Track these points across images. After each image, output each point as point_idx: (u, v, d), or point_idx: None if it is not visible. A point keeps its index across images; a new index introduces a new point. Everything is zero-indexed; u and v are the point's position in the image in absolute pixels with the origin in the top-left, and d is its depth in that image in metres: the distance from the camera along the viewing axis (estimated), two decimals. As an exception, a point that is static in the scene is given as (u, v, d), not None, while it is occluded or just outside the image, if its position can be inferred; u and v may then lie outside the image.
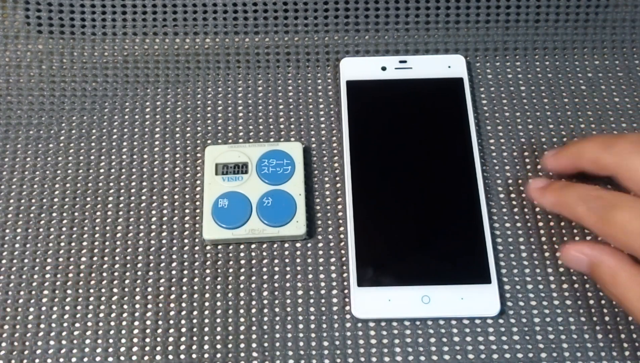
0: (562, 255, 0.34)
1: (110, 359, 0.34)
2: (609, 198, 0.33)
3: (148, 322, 0.35)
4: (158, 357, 0.34)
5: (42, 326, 0.35)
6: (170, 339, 0.34)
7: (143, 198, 0.38)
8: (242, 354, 0.34)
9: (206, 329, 0.35)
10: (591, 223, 0.33)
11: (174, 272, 0.36)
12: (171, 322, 0.35)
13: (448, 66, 0.41)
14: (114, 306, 0.35)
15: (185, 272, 0.36)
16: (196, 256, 0.37)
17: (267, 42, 0.42)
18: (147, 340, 0.35)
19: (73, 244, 0.37)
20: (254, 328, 0.35)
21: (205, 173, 0.38)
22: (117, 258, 0.37)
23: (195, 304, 0.35)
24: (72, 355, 0.34)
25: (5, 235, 0.37)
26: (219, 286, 0.36)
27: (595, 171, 0.35)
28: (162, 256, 0.37)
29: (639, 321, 0.32)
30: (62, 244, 0.37)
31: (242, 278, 0.36)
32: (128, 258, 0.37)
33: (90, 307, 0.35)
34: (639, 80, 0.42)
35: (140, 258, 0.37)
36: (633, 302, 0.31)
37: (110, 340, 0.35)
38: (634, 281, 0.31)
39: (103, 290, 0.36)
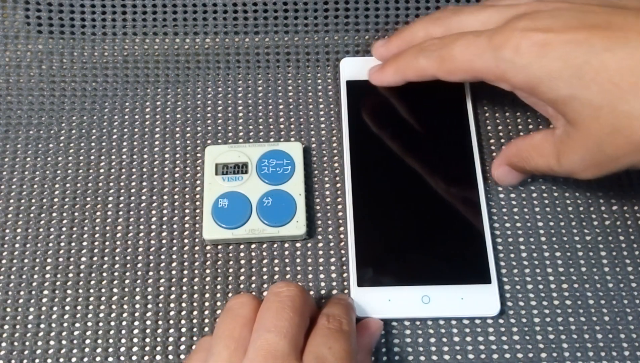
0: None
1: (110, 359, 0.34)
2: (442, 39, 0.34)
3: (148, 322, 0.35)
4: (158, 357, 0.34)
5: (42, 326, 0.35)
6: (170, 339, 0.34)
7: (143, 198, 0.38)
8: (242, 354, 0.34)
9: (206, 329, 0.35)
10: (435, 70, 0.34)
11: (174, 272, 0.36)
12: (171, 322, 0.35)
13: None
14: (114, 306, 0.35)
15: (185, 272, 0.36)
16: (196, 256, 0.37)
17: (267, 42, 0.42)
18: (147, 340, 0.35)
19: (73, 244, 0.37)
20: (254, 328, 0.35)
21: (205, 173, 0.38)
22: (117, 258, 0.37)
23: (195, 304, 0.35)
24: (72, 355, 0.34)
25: (5, 235, 0.37)
26: (219, 286, 0.36)
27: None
28: (162, 256, 0.37)
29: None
30: (62, 244, 0.37)
31: (242, 278, 0.36)
32: (128, 258, 0.37)
33: (90, 307, 0.35)
34: (639, 80, 0.42)
35: (140, 258, 0.37)
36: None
37: (110, 340, 0.35)
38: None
39: (103, 290, 0.36)
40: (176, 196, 0.38)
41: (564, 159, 0.32)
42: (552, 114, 0.33)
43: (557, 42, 0.30)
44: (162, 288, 0.36)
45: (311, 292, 0.36)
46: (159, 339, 0.34)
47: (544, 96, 0.31)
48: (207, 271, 0.36)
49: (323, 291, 0.36)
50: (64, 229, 0.37)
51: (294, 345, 0.28)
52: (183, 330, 0.35)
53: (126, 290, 0.36)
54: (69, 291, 0.36)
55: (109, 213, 0.38)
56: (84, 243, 0.37)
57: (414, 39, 0.37)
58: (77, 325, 0.35)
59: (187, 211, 0.38)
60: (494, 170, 0.37)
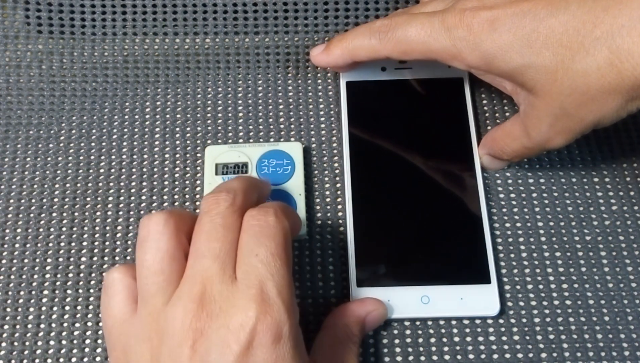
0: None
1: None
2: (393, 20, 0.35)
3: (148, 322, 0.35)
4: (158, 357, 0.34)
5: (42, 326, 0.35)
6: (170, 339, 0.34)
7: (143, 198, 0.38)
8: (242, 354, 0.34)
9: (206, 329, 0.35)
10: (390, 51, 0.35)
11: (174, 272, 0.36)
12: (171, 321, 0.35)
13: (448, 65, 0.41)
14: (114, 306, 0.35)
15: (185, 272, 0.36)
16: (196, 256, 0.36)
17: (267, 42, 0.42)
18: (147, 340, 0.34)
19: (73, 244, 0.37)
20: (253, 328, 0.35)
21: (205, 173, 0.38)
22: (117, 258, 0.37)
23: (195, 304, 0.35)
24: (72, 355, 0.34)
25: (5, 235, 0.37)
26: (218, 286, 0.36)
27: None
28: (162, 256, 0.36)
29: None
30: (62, 244, 0.37)
31: (242, 278, 0.36)
32: (128, 258, 0.37)
33: (90, 307, 0.35)
34: (639, 80, 0.42)
35: (140, 258, 0.36)
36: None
37: (110, 340, 0.35)
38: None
39: (103, 290, 0.36)
40: (176, 196, 0.38)
41: (533, 132, 0.33)
42: (511, 90, 0.34)
43: (504, 16, 0.31)
44: (162, 288, 0.36)
45: (310, 292, 0.36)
46: (158, 339, 0.34)
47: (500, 70, 0.32)
48: (207, 271, 0.36)
49: (323, 291, 0.36)
50: (64, 229, 0.37)
51: (229, 264, 0.27)
52: (183, 330, 0.35)
53: (126, 290, 0.36)
54: (69, 291, 0.36)
55: (109, 213, 0.38)
56: (84, 243, 0.37)
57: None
58: (77, 325, 0.35)
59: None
60: (480, 158, 0.38)
